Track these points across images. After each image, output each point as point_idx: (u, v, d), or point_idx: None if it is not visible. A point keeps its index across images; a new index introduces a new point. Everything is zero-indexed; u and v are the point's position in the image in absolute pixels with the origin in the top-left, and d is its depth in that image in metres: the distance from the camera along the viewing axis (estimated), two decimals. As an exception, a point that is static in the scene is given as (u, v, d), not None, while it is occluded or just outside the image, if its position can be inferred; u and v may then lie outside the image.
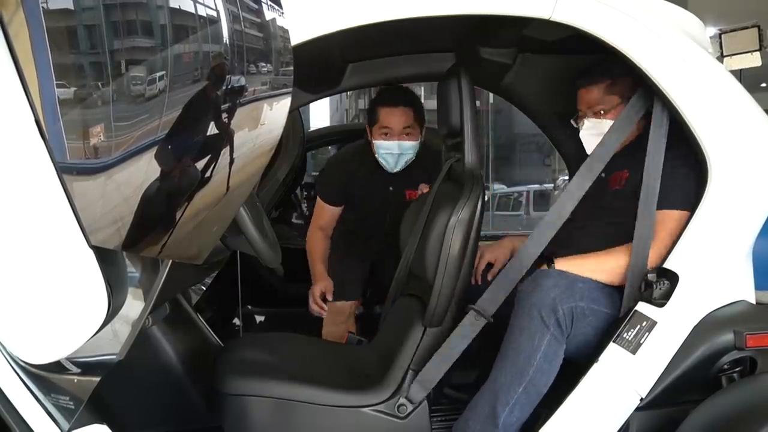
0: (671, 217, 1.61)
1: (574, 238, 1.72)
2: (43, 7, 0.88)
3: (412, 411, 1.63)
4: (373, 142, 2.29)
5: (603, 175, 1.71)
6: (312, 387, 1.65)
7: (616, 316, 1.60)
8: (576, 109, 1.86)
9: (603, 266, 1.65)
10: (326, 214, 2.47)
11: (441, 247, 1.64)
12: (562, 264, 1.66)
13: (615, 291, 1.64)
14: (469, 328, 1.62)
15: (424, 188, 2.27)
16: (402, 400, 1.64)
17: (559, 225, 1.66)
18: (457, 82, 1.76)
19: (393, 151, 2.25)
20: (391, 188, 2.41)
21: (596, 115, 1.77)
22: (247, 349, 1.86)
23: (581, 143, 1.82)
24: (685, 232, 1.56)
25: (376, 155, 2.30)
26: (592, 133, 1.76)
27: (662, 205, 1.61)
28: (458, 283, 1.65)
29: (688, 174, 1.61)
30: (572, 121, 1.84)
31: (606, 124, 1.73)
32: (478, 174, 1.74)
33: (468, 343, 1.62)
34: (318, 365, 1.83)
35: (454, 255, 1.63)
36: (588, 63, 1.86)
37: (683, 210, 1.60)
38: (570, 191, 1.68)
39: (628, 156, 1.68)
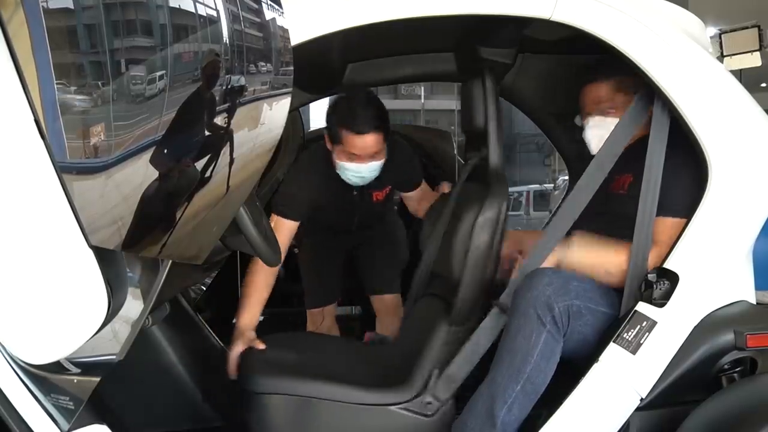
0: (669, 224, 1.61)
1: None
2: (43, 6, 0.88)
3: (439, 408, 1.64)
4: (337, 162, 2.06)
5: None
6: (339, 385, 1.66)
7: (614, 315, 1.60)
8: (577, 107, 1.86)
9: (605, 265, 1.65)
10: (284, 232, 2.09)
11: (468, 246, 1.65)
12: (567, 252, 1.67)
13: (612, 290, 1.64)
14: (493, 324, 1.64)
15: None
16: (429, 398, 1.65)
17: (571, 222, 1.67)
18: (482, 83, 1.77)
19: (361, 174, 2.05)
20: (355, 192, 2.26)
21: (603, 113, 1.75)
22: (272, 348, 1.86)
23: (582, 143, 1.82)
24: (685, 232, 1.56)
25: (338, 172, 2.09)
26: (598, 132, 1.75)
27: (662, 212, 1.61)
28: (484, 282, 1.66)
29: (688, 181, 1.60)
30: (576, 120, 1.84)
31: (611, 122, 1.72)
32: (502, 174, 1.76)
33: (493, 339, 1.63)
34: (343, 364, 1.84)
35: (481, 254, 1.65)
36: (589, 62, 1.86)
37: (682, 218, 1.59)
38: (580, 190, 1.68)
39: (633, 159, 1.67)
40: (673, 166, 1.62)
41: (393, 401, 1.66)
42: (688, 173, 1.61)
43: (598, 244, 1.67)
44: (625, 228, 1.62)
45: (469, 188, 1.83)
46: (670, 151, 1.61)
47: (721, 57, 3.66)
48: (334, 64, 2.11)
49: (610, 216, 1.73)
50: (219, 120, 1.19)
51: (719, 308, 1.56)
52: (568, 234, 1.70)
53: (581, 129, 1.83)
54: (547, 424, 1.52)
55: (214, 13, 1.13)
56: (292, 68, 1.36)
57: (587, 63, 1.87)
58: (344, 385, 1.66)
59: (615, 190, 1.75)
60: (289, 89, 1.37)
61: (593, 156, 1.74)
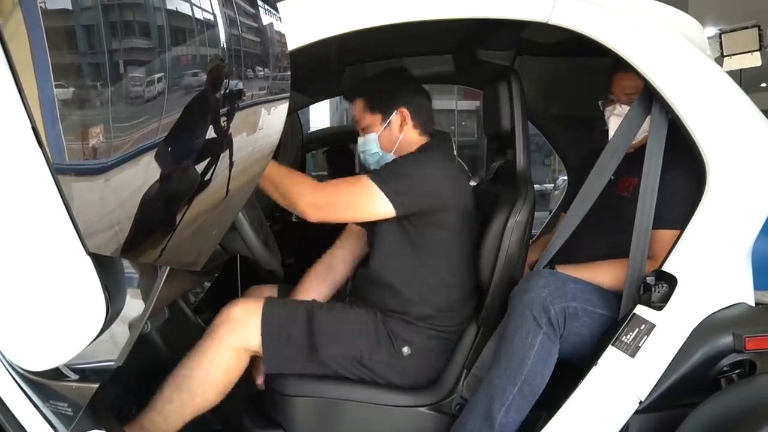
0: (666, 237, 1.61)
1: (576, 246, 1.73)
2: (41, 7, 0.88)
3: (463, 408, 1.64)
4: None
5: (612, 177, 1.72)
6: (370, 387, 1.65)
7: (612, 317, 1.60)
8: (577, 108, 1.86)
9: (601, 279, 1.67)
10: None
11: (498, 248, 1.66)
12: (563, 270, 1.69)
13: (610, 293, 1.65)
14: None
15: None
16: (459, 399, 1.67)
17: (576, 223, 1.70)
18: (508, 87, 1.78)
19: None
20: None
21: (629, 102, 1.74)
22: None
23: (581, 144, 1.83)
24: (683, 234, 1.56)
25: None
26: (620, 120, 1.75)
27: (660, 224, 1.61)
28: (513, 284, 1.67)
29: (686, 192, 1.60)
30: (600, 103, 1.84)
31: None
32: (529, 176, 1.78)
33: None
34: None
35: (511, 255, 1.66)
36: (590, 63, 1.87)
37: (678, 229, 1.59)
38: (584, 193, 1.70)
39: (639, 163, 1.66)
40: (672, 176, 1.62)
41: (423, 402, 1.67)
42: (686, 183, 1.61)
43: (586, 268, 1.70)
44: (628, 232, 1.63)
45: (495, 191, 1.84)
46: (670, 159, 1.62)
47: (721, 57, 3.65)
48: (332, 68, 2.11)
49: (613, 219, 1.73)
50: (218, 124, 1.19)
51: (718, 311, 1.56)
52: (574, 235, 1.72)
53: (582, 122, 1.83)
54: (546, 426, 1.52)
55: (212, 18, 1.13)
56: (289, 73, 1.36)
57: (583, 67, 1.88)
58: (374, 388, 1.66)
59: (620, 192, 1.76)
60: (287, 94, 1.37)
61: (599, 150, 1.75)
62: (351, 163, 4.50)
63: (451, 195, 1.71)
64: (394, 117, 1.79)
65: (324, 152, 4.32)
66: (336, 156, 4.32)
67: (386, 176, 1.66)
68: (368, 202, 1.65)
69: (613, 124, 1.77)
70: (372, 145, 1.82)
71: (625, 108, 1.75)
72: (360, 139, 1.84)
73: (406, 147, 1.80)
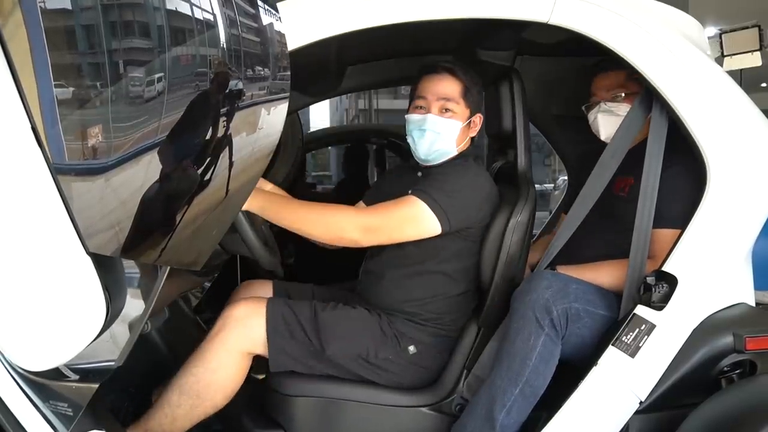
0: (667, 236, 1.61)
1: (577, 246, 1.74)
2: (41, 7, 0.88)
3: (463, 408, 1.65)
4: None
5: None
6: (370, 387, 1.66)
7: (613, 318, 1.60)
8: (577, 108, 1.86)
9: (602, 279, 1.67)
10: None
11: (499, 249, 1.66)
12: (564, 270, 1.69)
13: (611, 293, 1.65)
14: None
15: None
16: (459, 399, 1.67)
17: (577, 224, 1.71)
18: (509, 87, 1.78)
19: (421, 126, 1.73)
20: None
21: (614, 99, 1.76)
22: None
23: (581, 143, 1.83)
24: (683, 234, 1.56)
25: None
26: (609, 117, 1.76)
27: (660, 223, 1.61)
28: (514, 285, 1.68)
29: (687, 191, 1.61)
30: (583, 108, 1.85)
31: (624, 108, 1.73)
32: (530, 177, 1.78)
33: None
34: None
35: (512, 256, 1.66)
36: (588, 63, 1.87)
37: (678, 228, 1.59)
38: (585, 192, 1.71)
39: (635, 161, 1.67)
40: (672, 174, 1.62)
41: (423, 403, 1.68)
42: (686, 182, 1.61)
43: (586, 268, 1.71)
44: (627, 231, 1.63)
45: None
46: (670, 158, 1.62)
47: (721, 57, 3.66)
48: (333, 67, 2.12)
49: (612, 219, 1.73)
50: (218, 125, 1.19)
51: (718, 311, 1.56)
52: (574, 236, 1.72)
53: (581, 122, 1.84)
54: (546, 427, 1.52)
55: (212, 18, 1.13)
56: (289, 73, 1.36)
57: (582, 67, 1.88)
58: (375, 388, 1.66)
59: (616, 191, 1.76)
60: (287, 94, 1.37)
61: (597, 149, 1.75)
62: (365, 161, 4.55)
63: (488, 212, 1.71)
64: (475, 119, 1.77)
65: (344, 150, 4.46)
66: (354, 154, 4.38)
67: (433, 193, 1.63)
68: (417, 221, 1.62)
69: (602, 121, 1.78)
70: (451, 132, 1.72)
71: (611, 105, 1.76)
72: (435, 118, 1.70)
73: (460, 150, 1.77)
